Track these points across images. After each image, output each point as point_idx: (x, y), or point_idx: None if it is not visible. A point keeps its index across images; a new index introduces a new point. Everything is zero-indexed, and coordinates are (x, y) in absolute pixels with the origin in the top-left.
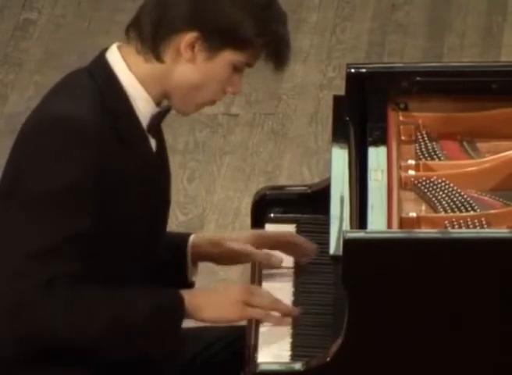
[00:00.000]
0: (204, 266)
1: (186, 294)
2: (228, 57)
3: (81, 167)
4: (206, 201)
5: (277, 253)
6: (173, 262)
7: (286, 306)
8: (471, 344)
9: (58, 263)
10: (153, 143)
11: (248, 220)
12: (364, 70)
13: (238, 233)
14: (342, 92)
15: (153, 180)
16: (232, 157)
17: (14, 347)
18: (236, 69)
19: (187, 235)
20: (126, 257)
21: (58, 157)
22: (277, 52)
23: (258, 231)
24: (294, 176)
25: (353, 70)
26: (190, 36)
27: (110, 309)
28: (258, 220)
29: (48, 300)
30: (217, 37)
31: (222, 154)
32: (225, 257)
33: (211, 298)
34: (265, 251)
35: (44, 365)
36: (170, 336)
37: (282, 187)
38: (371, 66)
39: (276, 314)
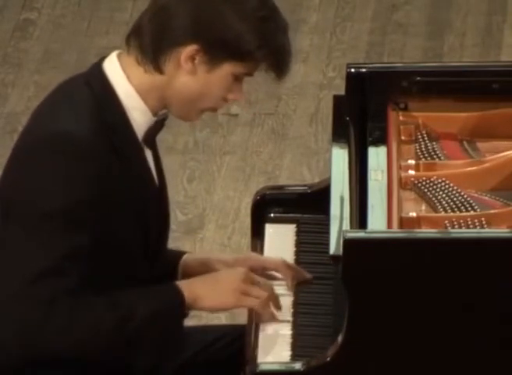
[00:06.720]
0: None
1: (185, 286)
2: (228, 68)
3: (80, 185)
4: (206, 201)
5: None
6: (166, 280)
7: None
8: (471, 343)
9: (58, 281)
10: (149, 154)
11: (248, 220)
12: (364, 70)
13: (227, 256)
14: (342, 92)
15: (150, 192)
16: (232, 157)
17: (15, 353)
18: (237, 78)
19: (181, 254)
20: (123, 272)
21: (56, 176)
22: (277, 63)
23: (248, 255)
24: (294, 176)
25: (353, 70)
26: (190, 48)
27: (113, 319)
28: (258, 220)
29: (51, 318)
30: (218, 50)
31: (222, 154)
32: None
33: (211, 286)
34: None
35: (44, 368)
36: (173, 334)
37: (282, 187)
38: (371, 65)
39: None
